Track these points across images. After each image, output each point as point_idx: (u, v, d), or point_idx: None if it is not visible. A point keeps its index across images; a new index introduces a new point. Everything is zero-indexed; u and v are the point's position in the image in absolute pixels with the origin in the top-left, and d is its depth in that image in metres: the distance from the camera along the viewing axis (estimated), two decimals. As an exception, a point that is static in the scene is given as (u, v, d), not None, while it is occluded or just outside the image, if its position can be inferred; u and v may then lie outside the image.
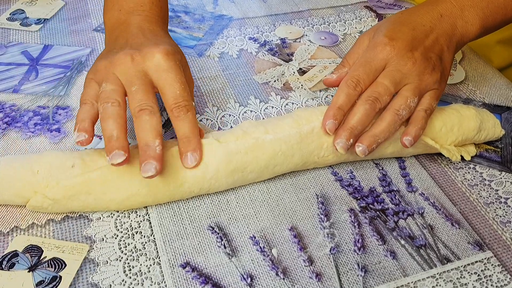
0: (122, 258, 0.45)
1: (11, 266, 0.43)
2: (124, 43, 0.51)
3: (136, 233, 0.47)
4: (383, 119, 0.50)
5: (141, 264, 0.44)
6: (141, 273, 0.44)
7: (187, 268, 0.44)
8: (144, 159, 0.43)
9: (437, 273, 0.45)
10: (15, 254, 0.44)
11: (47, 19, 0.76)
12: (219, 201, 0.50)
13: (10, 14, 0.76)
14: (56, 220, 0.47)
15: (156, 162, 0.43)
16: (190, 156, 0.46)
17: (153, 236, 0.47)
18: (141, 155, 0.44)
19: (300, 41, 0.74)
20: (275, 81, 0.66)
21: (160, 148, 0.44)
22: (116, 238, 0.46)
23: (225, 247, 0.46)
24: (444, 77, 0.54)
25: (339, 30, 0.77)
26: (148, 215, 0.48)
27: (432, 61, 0.52)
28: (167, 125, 0.58)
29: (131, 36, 0.51)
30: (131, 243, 0.46)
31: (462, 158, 0.55)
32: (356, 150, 0.49)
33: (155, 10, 0.56)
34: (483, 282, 0.44)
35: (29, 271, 0.43)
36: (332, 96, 0.64)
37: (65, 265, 0.44)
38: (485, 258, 0.46)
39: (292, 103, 0.63)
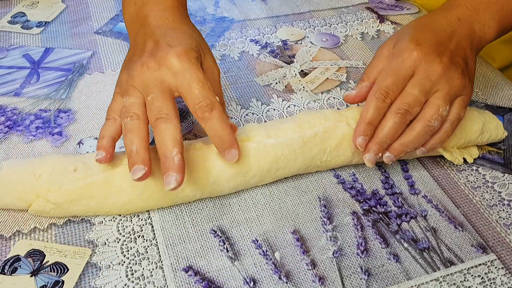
0: (124, 262, 0.44)
1: (14, 271, 0.43)
2: (142, 46, 0.50)
3: (139, 237, 0.47)
4: (414, 129, 0.49)
5: (143, 268, 0.44)
6: (144, 277, 0.43)
7: (189, 272, 0.44)
8: (164, 171, 0.43)
9: (441, 276, 0.45)
10: (17, 258, 0.44)
11: (48, 22, 0.76)
12: (221, 204, 0.50)
13: (11, 17, 0.76)
14: (58, 224, 0.47)
15: (176, 173, 0.42)
16: (228, 154, 0.45)
17: (156, 240, 0.46)
18: (162, 167, 0.43)
19: (301, 43, 0.74)
20: (276, 83, 0.66)
21: (179, 157, 0.43)
22: (118, 242, 0.46)
23: (227, 251, 0.46)
24: (471, 82, 0.52)
25: (341, 32, 0.77)
26: (150, 218, 0.48)
27: (459, 65, 0.51)
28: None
29: (149, 35, 0.50)
30: (134, 247, 0.46)
31: (465, 160, 0.55)
32: (383, 156, 0.49)
33: None
34: (487, 285, 0.44)
35: (31, 276, 0.43)
36: (334, 98, 0.64)
37: (68, 269, 0.44)
38: (488, 261, 0.46)
39: (294, 105, 0.63)
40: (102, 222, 0.48)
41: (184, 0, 0.57)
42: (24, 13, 0.78)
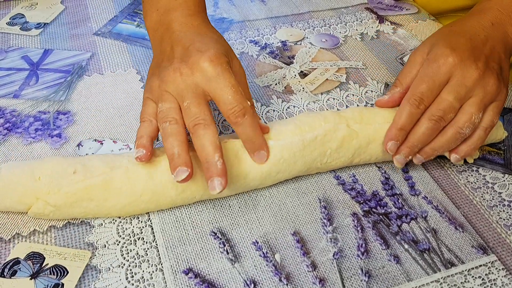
0: (124, 264, 0.44)
1: (13, 274, 0.43)
2: (170, 52, 0.50)
3: (138, 239, 0.46)
4: (445, 135, 0.50)
5: (143, 271, 0.44)
6: (144, 280, 0.43)
7: (189, 274, 0.44)
8: (209, 176, 0.44)
9: (441, 278, 0.45)
10: (17, 261, 0.44)
11: (47, 23, 0.76)
12: (221, 206, 0.50)
13: (10, 19, 0.76)
14: (58, 226, 0.47)
15: (221, 177, 0.44)
16: (257, 155, 0.47)
17: (155, 242, 0.46)
18: (205, 171, 0.44)
19: (301, 44, 0.74)
20: (276, 84, 0.66)
21: (221, 162, 0.44)
22: (118, 245, 0.46)
23: (227, 253, 0.46)
24: (506, 87, 0.52)
25: (340, 32, 0.77)
26: (150, 221, 0.48)
27: (494, 70, 0.51)
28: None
29: (176, 41, 0.51)
30: (133, 249, 0.46)
31: (465, 161, 0.55)
32: (413, 158, 0.51)
33: (190, 1, 0.55)
34: (488, 286, 0.44)
35: (31, 279, 0.43)
36: (334, 99, 0.64)
37: (67, 272, 0.43)
38: (489, 262, 0.46)
39: (294, 106, 0.63)
40: (101, 224, 0.47)
41: (205, 7, 0.58)
42: (23, 14, 0.77)
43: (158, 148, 0.50)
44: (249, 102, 0.47)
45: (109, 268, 0.44)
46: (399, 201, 0.51)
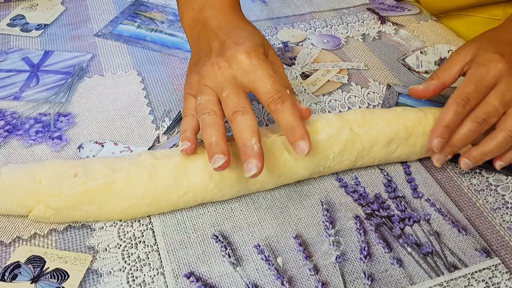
0: (125, 268, 0.44)
1: (14, 278, 0.43)
2: (207, 48, 0.52)
3: (140, 243, 0.46)
4: (494, 138, 0.50)
5: (144, 275, 0.44)
6: (145, 283, 0.43)
7: (191, 278, 0.44)
8: (245, 158, 0.44)
9: (445, 281, 0.44)
10: (17, 265, 0.44)
11: (48, 24, 0.75)
12: (223, 209, 0.50)
13: (10, 20, 0.76)
14: (59, 230, 0.47)
15: (257, 160, 0.44)
16: (300, 144, 0.45)
17: (157, 245, 0.46)
18: (242, 155, 0.45)
19: (302, 45, 0.73)
20: (277, 85, 0.66)
21: (258, 146, 0.44)
22: (119, 248, 0.46)
23: (229, 256, 0.45)
24: None
25: (342, 33, 0.76)
26: (152, 224, 0.48)
27: None
28: (167, 132, 0.58)
29: (213, 37, 0.52)
30: (135, 252, 0.45)
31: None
32: (461, 162, 0.51)
33: None
34: (491, 290, 0.44)
35: (31, 283, 0.43)
36: (335, 100, 0.64)
37: (68, 276, 0.43)
38: (492, 265, 0.46)
39: (295, 108, 0.62)
40: (102, 227, 0.47)
41: (239, 2, 0.59)
42: (23, 15, 0.77)
43: (159, 150, 0.50)
44: (287, 90, 0.47)
45: (110, 272, 0.44)
46: (402, 203, 0.51)
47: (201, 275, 0.44)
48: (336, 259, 0.46)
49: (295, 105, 0.47)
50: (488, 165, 0.54)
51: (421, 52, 0.73)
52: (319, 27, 0.78)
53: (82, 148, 0.55)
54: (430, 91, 0.54)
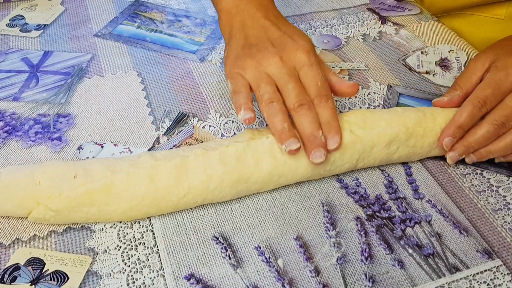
0: (125, 270, 0.44)
1: (13, 280, 0.43)
2: (260, 36, 0.55)
3: (140, 244, 0.46)
4: (503, 140, 0.52)
5: (144, 277, 0.44)
6: (145, 285, 0.43)
7: (191, 280, 0.43)
8: (313, 147, 0.48)
9: (446, 283, 0.44)
10: (17, 267, 0.44)
11: (47, 24, 0.75)
12: (223, 210, 0.49)
13: (9, 20, 0.76)
14: (58, 231, 0.47)
15: (324, 149, 0.48)
16: (331, 139, 0.49)
17: (157, 247, 0.46)
18: (309, 144, 0.48)
19: (302, 45, 0.73)
20: (278, 86, 0.66)
21: (324, 138, 0.48)
22: (119, 250, 0.45)
23: (230, 258, 0.45)
24: None
25: (342, 33, 0.76)
26: (152, 225, 0.48)
27: None
28: (168, 132, 0.57)
29: (266, 27, 0.55)
30: (135, 254, 0.45)
31: (463, 162, 0.54)
32: (465, 156, 0.53)
33: None
34: (493, 291, 0.44)
35: (31, 285, 0.42)
36: (336, 101, 0.63)
37: (68, 278, 0.43)
38: (494, 267, 0.46)
39: (296, 109, 0.62)
40: (102, 229, 0.47)
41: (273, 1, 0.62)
42: (22, 16, 0.77)
43: (159, 151, 0.50)
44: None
45: (110, 274, 0.44)
46: (403, 204, 0.51)
47: (201, 277, 0.44)
48: (337, 260, 0.45)
49: (335, 106, 0.51)
50: (493, 166, 0.54)
51: (421, 52, 0.73)
52: (319, 27, 0.77)
53: (82, 149, 0.55)
54: (455, 102, 0.55)
